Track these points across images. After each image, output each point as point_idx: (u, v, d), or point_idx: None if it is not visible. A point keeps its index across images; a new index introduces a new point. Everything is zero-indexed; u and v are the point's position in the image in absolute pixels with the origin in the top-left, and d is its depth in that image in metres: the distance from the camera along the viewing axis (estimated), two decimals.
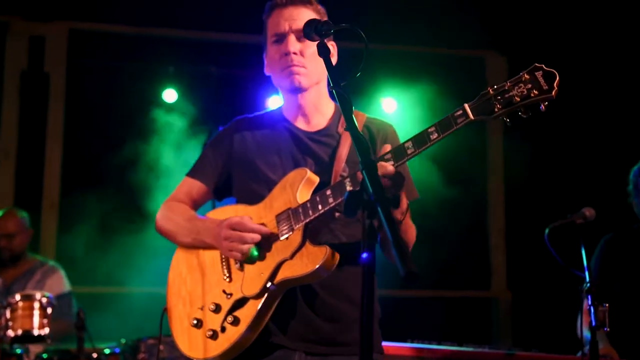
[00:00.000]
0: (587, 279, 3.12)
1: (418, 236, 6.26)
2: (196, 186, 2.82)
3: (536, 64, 2.25)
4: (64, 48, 6.79)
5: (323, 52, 2.22)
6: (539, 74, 2.23)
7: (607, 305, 3.72)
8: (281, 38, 2.68)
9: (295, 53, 2.64)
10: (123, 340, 4.76)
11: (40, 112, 6.72)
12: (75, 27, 6.83)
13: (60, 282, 5.38)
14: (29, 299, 4.41)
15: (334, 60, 2.73)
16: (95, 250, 6.33)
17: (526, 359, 3.27)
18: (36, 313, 4.38)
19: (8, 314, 4.34)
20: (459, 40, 7.08)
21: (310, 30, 2.35)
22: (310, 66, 2.64)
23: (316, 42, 2.34)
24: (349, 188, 2.40)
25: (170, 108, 6.77)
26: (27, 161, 6.67)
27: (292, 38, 2.65)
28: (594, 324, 2.95)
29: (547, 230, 3.55)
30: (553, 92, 2.20)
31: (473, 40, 7.14)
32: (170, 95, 6.81)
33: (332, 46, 2.74)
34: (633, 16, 6.52)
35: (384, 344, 3.57)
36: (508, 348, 3.40)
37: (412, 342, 3.61)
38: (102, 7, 6.64)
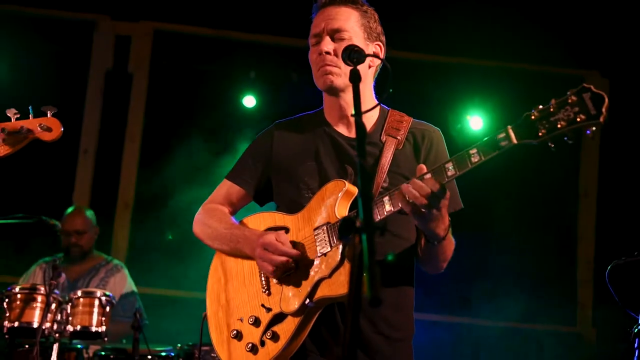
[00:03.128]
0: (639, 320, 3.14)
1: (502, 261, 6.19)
2: (235, 190, 2.88)
3: (584, 85, 2.20)
4: (148, 48, 7.16)
5: (354, 79, 2.27)
6: (586, 96, 2.18)
7: None
8: (319, 38, 2.73)
9: (328, 53, 2.68)
10: (179, 345, 5.00)
11: (122, 112, 7.11)
12: (160, 27, 7.20)
13: (124, 282, 5.68)
14: (89, 295, 4.70)
15: (376, 62, 2.76)
16: (165, 253, 6.66)
17: None
18: (96, 310, 4.65)
19: (69, 308, 4.64)
20: (557, 57, 7.06)
21: (345, 57, 2.42)
22: (345, 66, 2.59)
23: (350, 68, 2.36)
24: (388, 208, 2.44)
25: (249, 113, 7.10)
26: (105, 160, 7.06)
27: (326, 38, 2.70)
28: None
29: (609, 267, 3.56)
30: (601, 118, 2.15)
31: (572, 59, 7.12)
32: (249, 100, 7.12)
33: (378, 47, 2.77)
34: None
35: None
36: None
37: None
38: (187, 9, 7.02)
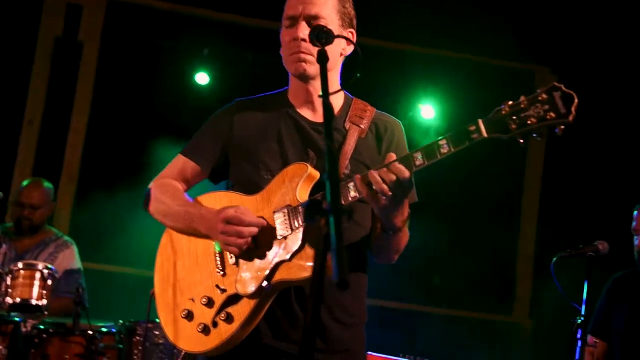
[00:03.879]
0: (583, 312, 3.23)
1: (445, 252, 6.31)
2: (190, 166, 2.80)
3: (555, 84, 2.22)
4: (101, 18, 7.02)
5: (321, 59, 2.26)
6: (557, 95, 2.20)
7: (598, 341, 3.84)
8: (293, 21, 2.67)
9: (304, 39, 2.63)
10: (120, 321, 4.95)
11: (70, 81, 6.95)
12: None
13: (72, 258, 5.56)
14: (30, 267, 4.59)
15: (350, 48, 2.74)
16: (108, 228, 6.55)
17: None
18: (36, 283, 4.55)
19: (9, 280, 4.54)
20: (510, 52, 7.17)
21: (313, 37, 2.39)
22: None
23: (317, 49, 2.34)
24: (353, 194, 2.43)
25: (201, 90, 7.04)
26: (51, 131, 6.90)
27: (302, 23, 2.65)
28: (577, 357, 3.07)
29: (554, 259, 3.64)
30: (570, 117, 2.18)
31: (525, 54, 7.23)
32: (202, 77, 7.05)
33: (350, 34, 2.74)
34: None
35: (378, 355, 3.77)
36: None
37: (407, 357, 3.75)
38: None
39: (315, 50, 2.56)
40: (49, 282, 4.64)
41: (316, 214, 1.67)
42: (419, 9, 6.91)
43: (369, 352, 3.76)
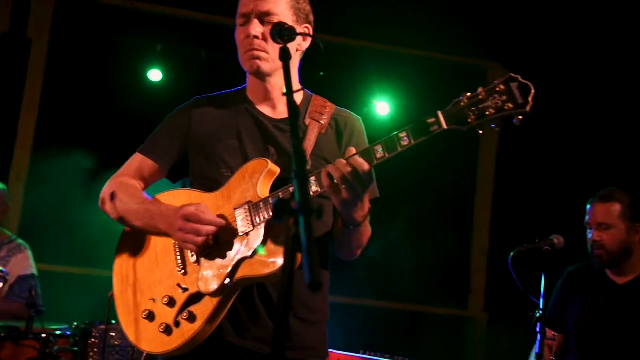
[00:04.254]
0: (541, 306, 3.28)
1: (399, 247, 6.33)
2: (148, 165, 2.77)
3: (512, 75, 2.25)
4: (50, 14, 6.89)
5: (283, 57, 2.26)
6: (514, 86, 2.22)
7: (557, 334, 3.91)
8: (246, 19, 2.66)
9: (257, 37, 2.63)
10: (75, 324, 4.87)
11: (18, 79, 6.80)
12: None
13: (25, 263, 5.44)
14: None
15: (306, 44, 2.73)
16: (62, 228, 6.43)
17: None
18: None
19: None
20: (462, 48, 7.25)
21: (274, 34, 2.39)
22: (273, 51, 2.61)
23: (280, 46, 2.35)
24: (314, 189, 2.43)
25: (154, 87, 6.95)
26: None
27: (254, 21, 2.64)
28: (537, 350, 3.12)
29: (512, 254, 3.69)
30: (528, 107, 2.20)
31: (477, 50, 7.32)
32: (155, 74, 6.97)
33: (306, 29, 2.74)
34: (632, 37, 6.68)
35: (340, 352, 3.78)
36: None
37: (367, 354, 3.77)
38: None
39: (269, 47, 2.61)
40: (0, 284, 4.54)
41: (285, 214, 1.65)
42: (373, 6, 6.95)
43: (330, 350, 3.76)
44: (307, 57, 2.80)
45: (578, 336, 3.95)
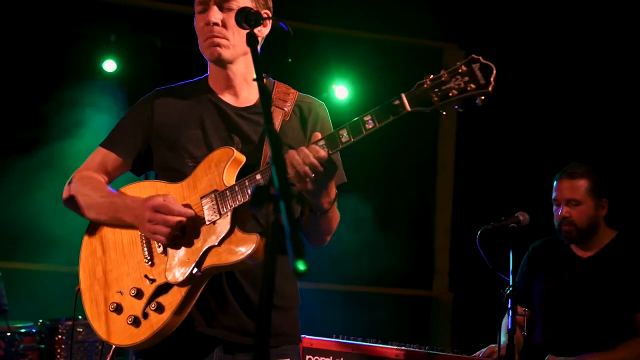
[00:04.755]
0: (511, 282, 3.33)
1: (363, 230, 6.34)
2: (111, 158, 2.77)
3: (473, 56, 2.28)
4: None
5: (251, 42, 2.26)
6: (476, 66, 2.26)
7: (527, 310, 3.97)
8: (205, 6, 2.66)
9: (216, 23, 2.62)
10: (40, 321, 4.81)
11: None
12: None
13: None
14: None
15: (266, 30, 2.73)
16: (22, 224, 6.32)
17: (447, 359, 3.48)
18: None
19: None
20: (418, 30, 7.27)
21: (240, 19, 2.37)
22: (233, 38, 2.62)
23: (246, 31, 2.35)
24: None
25: (109, 78, 6.85)
26: None
27: (213, 8, 2.63)
28: (509, 326, 3.17)
29: (479, 232, 3.73)
30: (490, 87, 2.24)
31: (432, 32, 7.35)
32: (109, 65, 6.87)
33: (266, 14, 2.72)
34: (593, 16, 6.78)
35: (312, 337, 3.78)
36: (430, 348, 3.60)
37: (340, 338, 3.78)
38: None
39: (229, 33, 2.61)
40: None
41: (264, 200, 1.64)
42: None
43: (303, 335, 3.76)
44: (270, 44, 2.78)
45: (544, 310, 4.02)
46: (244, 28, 2.38)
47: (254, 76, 2.12)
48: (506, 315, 3.46)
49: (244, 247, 2.44)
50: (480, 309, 6.89)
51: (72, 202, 2.75)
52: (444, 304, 7.49)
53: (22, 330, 4.71)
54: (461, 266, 7.33)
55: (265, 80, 2.76)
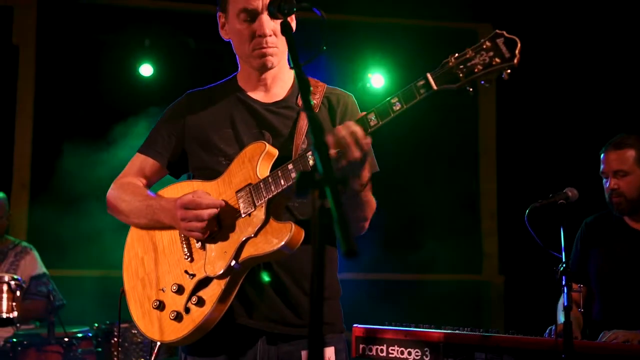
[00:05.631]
0: (564, 259, 3.27)
1: (409, 219, 6.26)
2: (149, 163, 2.83)
3: (497, 31, 2.29)
4: (33, 18, 6.85)
5: (286, 31, 2.27)
6: (500, 41, 2.26)
7: (582, 286, 3.90)
8: (253, 16, 2.66)
9: (270, 35, 2.65)
10: (96, 324, 4.87)
11: (10, 86, 6.79)
12: None
13: (34, 264, 5.50)
14: None
15: (294, 24, 2.72)
16: (67, 232, 6.43)
17: (501, 340, 3.44)
18: (4, 296, 4.48)
19: None
20: (451, 12, 7.21)
21: (274, 10, 2.37)
22: (281, 45, 2.67)
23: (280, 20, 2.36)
24: (312, 162, 2.45)
25: (146, 82, 6.92)
26: None
27: (266, 17, 2.64)
28: (565, 304, 3.11)
29: (527, 211, 3.67)
30: (515, 60, 2.24)
31: (466, 13, 7.28)
32: (146, 69, 6.94)
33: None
34: None
35: (365, 326, 3.77)
36: (484, 330, 3.56)
37: (394, 325, 3.75)
38: None
39: (279, 41, 2.64)
40: (18, 293, 4.56)
41: (309, 187, 1.63)
42: None
43: (355, 325, 3.76)
44: (302, 35, 2.78)
45: (601, 285, 3.95)
46: (277, 18, 2.39)
47: (291, 65, 2.11)
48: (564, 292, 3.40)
49: (280, 236, 2.48)
50: (532, 290, 6.83)
51: (113, 209, 2.83)
52: (495, 287, 7.41)
53: (79, 335, 4.78)
54: (510, 248, 7.25)
55: (293, 75, 2.80)
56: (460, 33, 7.56)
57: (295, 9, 2.37)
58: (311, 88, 2.69)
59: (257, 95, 2.78)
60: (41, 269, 5.52)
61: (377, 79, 7.23)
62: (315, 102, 2.74)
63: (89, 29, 6.94)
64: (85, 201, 6.29)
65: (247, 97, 2.77)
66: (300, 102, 2.72)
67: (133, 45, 6.96)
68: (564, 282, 3.15)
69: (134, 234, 2.81)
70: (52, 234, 6.43)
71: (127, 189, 2.81)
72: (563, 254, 3.31)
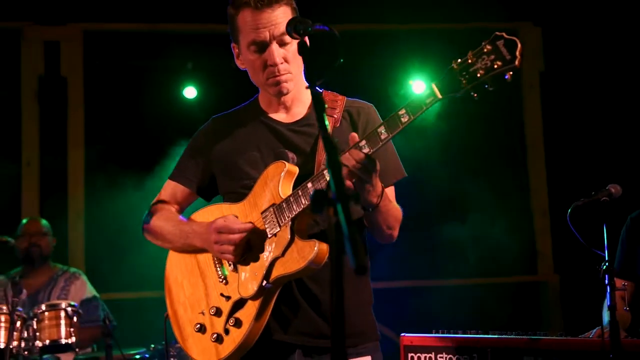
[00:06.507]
0: (607, 257, 3.22)
1: (458, 222, 6.21)
2: (179, 189, 2.94)
3: (496, 33, 2.34)
4: (80, 50, 7.03)
5: (303, 51, 2.30)
6: (500, 44, 2.30)
7: (627, 284, 3.82)
8: (262, 47, 2.70)
9: (281, 62, 2.70)
10: (152, 345, 4.96)
11: (60, 117, 6.97)
12: (89, 28, 7.08)
13: (84, 288, 5.63)
14: (54, 308, 4.65)
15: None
16: (123, 256, 6.55)
17: (549, 343, 3.39)
18: (62, 322, 4.62)
19: (35, 324, 4.59)
20: (491, 13, 7.15)
21: (290, 30, 2.40)
22: (294, 69, 2.72)
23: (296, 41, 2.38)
24: (328, 177, 2.49)
25: (190, 105, 7.03)
26: (50, 169, 6.93)
27: (275, 47, 2.68)
28: (608, 303, 3.06)
29: (569, 210, 3.63)
30: (516, 62, 2.27)
31: (505, 13, 7.22)
32: (190, 92, 7.05)
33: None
34: None
35: (412, 335, 3.76)
36: (532, 333, 3.52)
37: (440, 332, 3.74)
38: (115, 6, 6.89)
39: (291, 66, 2.71)
40: (75, 319, 4.68)
41: (323, 204, 1.66)
42: None
43: (403, 334, 3.76)
44: (321, 52, 2.81)
45: None
46: (294, 38, 2.42)
47: (306, 85, 2.15)
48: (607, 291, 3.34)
49: (305, 255, 2.54)
50: (589, 288, 6.69)
51: (149, 234, 2.95)
52: (551, 286, 7.29)
53: (137, 357, 4.87)
54: (564, 246, 7.13)
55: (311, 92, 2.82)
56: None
57: (309, 29, 2.41)
58: (326, 106, 2.76)
59: (279, 116, 2.84)
60: (91, 292, 5.65)
61: (418, 85, 7.20)
62: (335, 116, 2.81)
63: (133, 55, 7.10)
64: (138, 226, 6.38)
65: (269, 119, 2.84)
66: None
67: (176, 69, 7.08)
68: (607, 281, 3.10)
69: (172, 259, 2.92)
70: (108, 259, 6.58)
71: (160, 214, 2.92)
72: (606, 251, 3.26)
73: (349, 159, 2.43)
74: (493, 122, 7.26)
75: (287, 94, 2.77)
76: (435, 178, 6.89)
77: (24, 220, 5.85)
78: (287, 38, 2.67)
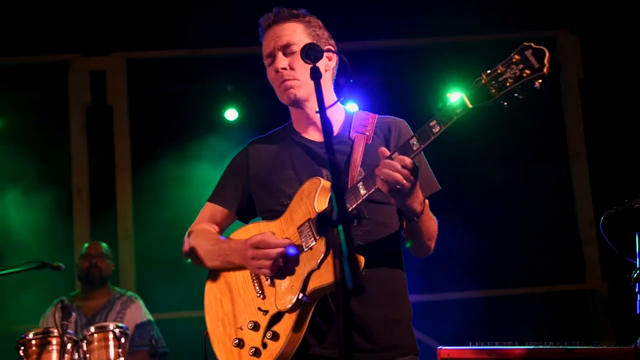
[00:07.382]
0: (638, 265, 3.18)
1: (503, 232, 6.18)
2: (218, 211, 3.04)
3: (525, 43, 2.40)
4: (124, 79, 7.24)
5: (314, 76, 2.41)
6: (528, 53, 2.36)
7: None
8: (272, 57, 2.89)
9: (284, 68, 2.83)
10: None
11: (108, 145, 7.18)
12: (132, 56, 7.28)
13: (139, 312, 5.74)
14: (103, 330, 4.75)
15: (332, 63, 2.92)
16: (173, 277, 6.68)
17: (585, 353, 3.36)
18: (111, 344, 4.70)
19: (85, 346, 4.70)
20: (528, 22, 7.12)
21: (303, 56, 2.52)
22: (303, 77, 2.81)
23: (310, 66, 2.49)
24: (362, 192, 2.57)
25: (233, 126, 7.15)
26: (100, 195, 7.13)
27: (279, 55, 2.85)
28: (638, 311, 3.03)
29: (602, 218, 3.60)
30: (545, 69, 2.32)
31: (543, 21, 7.17)
32: (231, 114, 7.17)
33: (329, 49, 2.87)
34: None
35: (449, 347, 3.76)
36: (569, 344, 3.49)
37: (477, 344, 3.73)
38: (157, 34, 7.07)
39: (298, 74, 2.82)
40: (123, 340, 4.77)
41: (328, 226, 1.72)
42: (434, 2, 6.92)
43: (440, 347, 3.76)
44: (343, 71, 2.91)
45: None
46: (307, 63, 2.53)
47: (317, 109, 2.22)
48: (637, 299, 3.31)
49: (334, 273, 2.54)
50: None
51: (190, 254, 3.03)
52: (599, 295, 7.17)
53: None
54: (612, 254, 6.99)
55: (344, 112, 2.98)
56: (539, 41, 7.33)
57: (321, 55, 2.49)
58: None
59: (312, 135, 2.94)
60: (146, 316, 5.74)
61: (456, 97, 7.18)
62: (367, 134, 2.87)
63: (175, 81, 7.26)
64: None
65: (303, 139, 2.93)
66: (353, 134, 2.87)
67: (217, 91, 7.21)
68: (637, 289, 3.06)
69: (211, 277, 3.00)
70: (158, 279, 6.70)
71: (200, 235, 3.01)
72: (637, 259, 3.23)
73: (393, 165, 2.47)
74: (535, 132, 7.21)
75: (294, 99, 2.86)
76: (477, 189, 6.86)
77: (86, 244, 6.04)
78: (294, 48, 2.82)
